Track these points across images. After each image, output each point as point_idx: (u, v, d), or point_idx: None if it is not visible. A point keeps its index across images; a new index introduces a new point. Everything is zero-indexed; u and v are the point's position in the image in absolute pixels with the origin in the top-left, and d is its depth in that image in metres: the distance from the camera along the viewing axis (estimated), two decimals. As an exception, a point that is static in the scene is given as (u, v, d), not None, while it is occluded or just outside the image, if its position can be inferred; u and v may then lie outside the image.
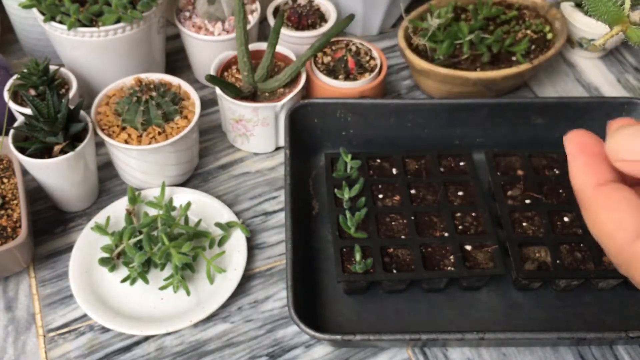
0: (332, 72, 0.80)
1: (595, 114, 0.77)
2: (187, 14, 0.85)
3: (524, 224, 0.69)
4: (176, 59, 0.93)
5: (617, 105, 0.77)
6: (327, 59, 0.81)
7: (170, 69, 0.91)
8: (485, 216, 0.69)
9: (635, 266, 0.30)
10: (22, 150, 0.67)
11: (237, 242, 0.70)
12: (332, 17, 0.89)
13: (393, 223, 0.69)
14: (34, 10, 0.76)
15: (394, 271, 0.65)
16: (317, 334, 0.58)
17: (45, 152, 0.68)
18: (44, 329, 0.66)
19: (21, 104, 0.72)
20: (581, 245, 0.67)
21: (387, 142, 0.78)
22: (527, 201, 0.71)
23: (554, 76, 0.94)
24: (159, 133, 0.71)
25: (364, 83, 0.79)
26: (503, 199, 0.71)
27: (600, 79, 0.94)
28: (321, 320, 0.65)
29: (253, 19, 0.85)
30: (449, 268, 0.65)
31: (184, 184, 0.78)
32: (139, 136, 0.71)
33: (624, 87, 0.92)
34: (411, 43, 0.86)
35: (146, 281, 0.66)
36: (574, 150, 0.32)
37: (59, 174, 0.68)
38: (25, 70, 0.71)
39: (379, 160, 0.75)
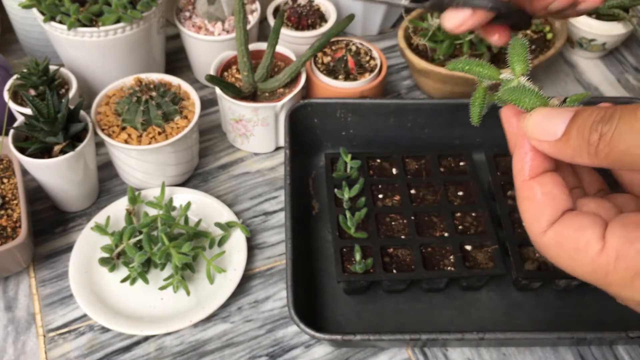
0: (332, 72, 0.80)
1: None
2: (187, 14, 0.85)
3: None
4: (176, 59, 0.93)
5: (617, 105, 0.77)
6: (327, 59, 0.81)
7: (170, 69, 0.91)
8: (485, 216, 0.69)
9: (546, 253, 0.36)
10: (22, 150, 0.67)
11: (237, 242, 0.70)
12: (332, 17, 0.89)
13: (393, 223, 0.69)
14: (34, 10, 0.76)
15: (394, 271, 0.65)
16: (317, 334, 0.58)
17: (45, 152, 0.68)
18: (44, 329, 0.66)
19: (21, 104, 0.72)
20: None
21: (387, 142, 0.78)
22: (527, 201, 0.71)
23: (554, 76, 0.94)
24: (159, 133, 0.71)
25: (364, 83, 0.79)
26: (503, 199, 0.71)
27: (600, 79, 0.94)
28: (321, 320, 0.65)
29: (253, 19, 0.85)
30: (449, 268, 0.65)
31: (184, 184, 0.78)
32: (139, 136, 0.71)
33: (624, 87, 0.92)
34: (411, 43, 0.86)
35: (146, 281, 0.66)
36: (518, 141, 0.37)
37: (59, 174, 0.68)
38: (25, 70, 0.71)
39: (379, 160, 0.75)
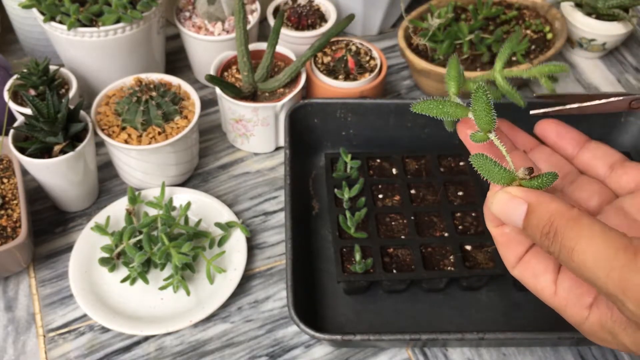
0: (332, 72, 0.80)
1: (595, 114, 0.77)
2: (187, 14, 0.85)
3: (524, 224, 0.69)
4: (176, 59, 0.93)
5: (617, 105, 0.77)
6: (327, 59, 0.81)
7: (170, 69, 0.91)
8: (485, 216, 0.69)
9: (523, 283, 0.43)
10: (22, 150, 0.67)
11: (237, 242, 0.70)
12: (332, 17, 0.89)
13: (393, 223, 0.69)
14: (34, 10, 0.76)
15: (394, 271, 0.65)
16: (317, 334, 0.58)
17: (45, 152, 0.68)
18: (44, 329, 0.66)
19: (21, 104, 0.72)
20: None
21: (387, 142, 0.78)
22: (527, 201, 0.71)
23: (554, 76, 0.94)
24: (159, 133, 0.71)
25: (364, 83, 0.79)
26: (503, 199, 0.71)
27: (600, 79, 0.94)
28: (321, 320, 0.65)
29: (253, 19, 0.85)
30: (449, 268, 0.65)
31: (184, 184, 0.78)
32: (139, 136, 0.71)
33: (624, 87, 0.92)
34: (411, 43, 0.86)
35: (146, 281, 0.66)
36: (487, 201, 0.42)
37: (59, 174, 0.68)
38: (25, 70, 0.71)
39: (379, 160, 0.75)
